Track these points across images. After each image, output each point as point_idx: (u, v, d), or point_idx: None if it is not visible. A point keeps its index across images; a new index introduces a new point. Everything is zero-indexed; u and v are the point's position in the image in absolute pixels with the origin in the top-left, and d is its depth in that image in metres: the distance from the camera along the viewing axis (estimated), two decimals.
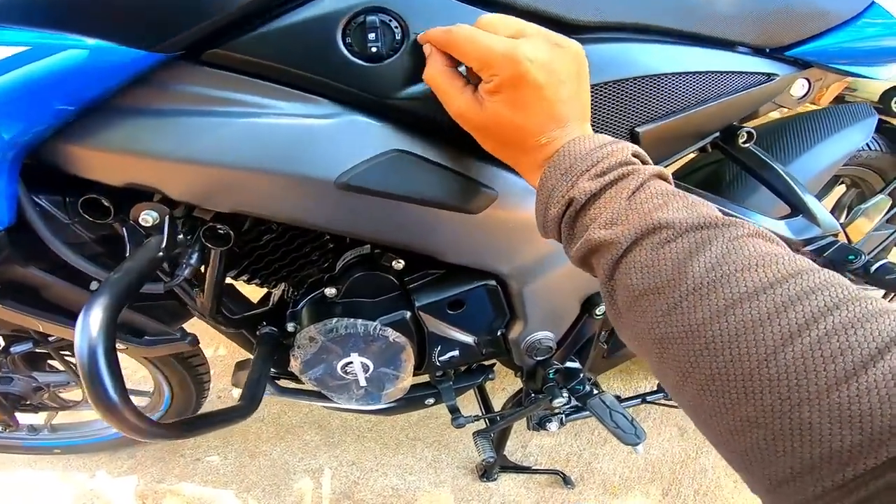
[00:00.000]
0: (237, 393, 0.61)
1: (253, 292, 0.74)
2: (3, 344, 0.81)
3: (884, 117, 0.78)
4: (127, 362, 1.23)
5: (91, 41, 0.35)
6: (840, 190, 0.90)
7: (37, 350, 0.82)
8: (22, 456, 1.07)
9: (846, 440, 0.21)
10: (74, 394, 0.96)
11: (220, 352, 1.33)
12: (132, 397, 1.06)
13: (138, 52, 0.36)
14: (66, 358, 0.81)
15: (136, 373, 1.24)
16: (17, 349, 0.81)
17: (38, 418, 1.00)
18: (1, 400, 0.85)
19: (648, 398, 0.87)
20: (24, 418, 0.91)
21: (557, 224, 0.36)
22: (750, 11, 0.50)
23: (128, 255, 0.47)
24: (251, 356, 0.77)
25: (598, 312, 0.64)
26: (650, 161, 0.37)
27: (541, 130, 0.37)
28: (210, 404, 1.08)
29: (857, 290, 0.25)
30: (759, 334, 0.24)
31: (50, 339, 0.78)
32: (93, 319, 0.37)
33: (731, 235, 0.28)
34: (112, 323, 0.37)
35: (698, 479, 1.04)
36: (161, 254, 0.45)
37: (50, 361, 0.91)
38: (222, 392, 1.22)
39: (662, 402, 0.88)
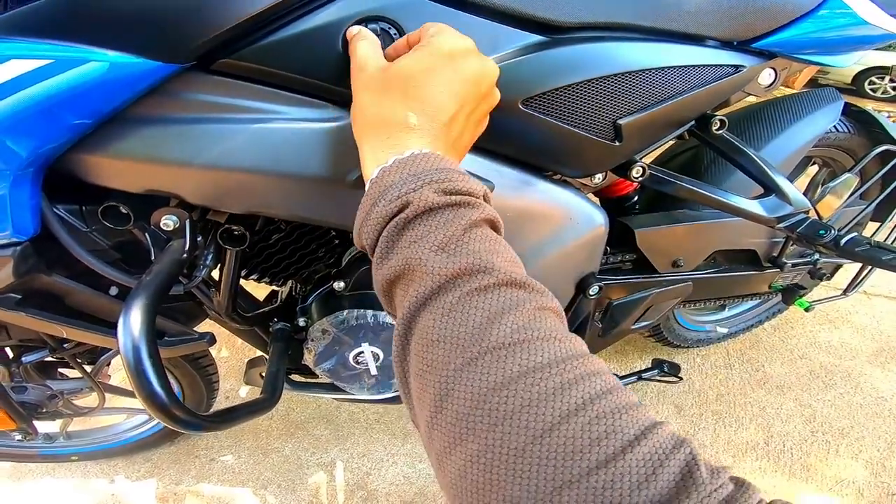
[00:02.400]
0: (244, 392, 0.64)
1: (255, 291, 0.77)
2: (12, 354, 0.82)
3: (854, 98, 0.83)
4: None
5: (112, 53, 0.38)
6: (813, 170, 0.95)
7: (48, 359, 0.85)
8: (41, 465, 1.09)
9: None
10: (88, 400, 0.98)
11: (224, 353, 1.36)
12: None
13: (154, 63, 0.39)
14: (80, 363, 0.84)
15: None
16: (28, 358, 0.83)
17: (54, 426, 1.02)
18: (18, 409, 0.87)
19: (644, 375, 0.92)
20: (39, 427, 0.93)
21: (379, 228, 0.32)
22: (718, 8, 0.55)
23: (153, 258, 0.50)
24: (258, 354, 0.81)
25: (591, 293, 0.68)
26: (492, 206, 0.35)
27: (420, 106, 0.36)
28: (217, 405, 1.11)
29: (618, 382, 0.26)
30: (542, 407, 0.24)
31: (65, 345, 0.80)
32: (133, 320, 0.40)
33: (539, 304, 0.29)
34: (151, 322, 0.40)
35: None
36: (185, 255, 0.48)
37: (61, 370, 0.94)
38: (229, 392, 1.25)
39: (657, 378, 0.93)
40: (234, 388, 1.27)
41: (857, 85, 5.15)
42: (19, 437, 0.90)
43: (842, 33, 0.61)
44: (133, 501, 1.04)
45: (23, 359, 0.83)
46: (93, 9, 0.37)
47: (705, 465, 0.23)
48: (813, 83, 4.81)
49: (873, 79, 5.04)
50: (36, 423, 0.91)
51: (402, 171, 0.33)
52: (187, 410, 0.43)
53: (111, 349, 0.91)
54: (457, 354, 0.27)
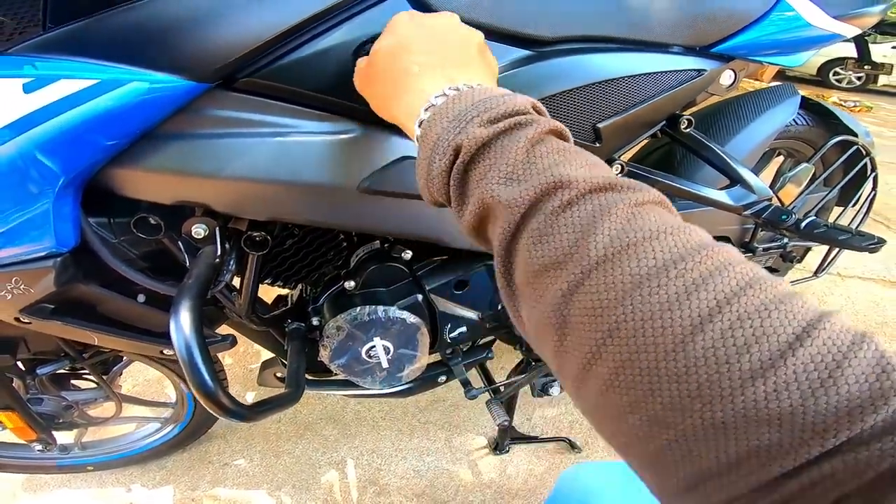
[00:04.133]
0: (251, 397, 0.67)
1: (263, 295, 0.82)
2: (26, 367, 0.85)
3: (820, 89, 0.89)
4: (149, 374, 1.29)
5: (152, 73, 0.41)
6: (779, 160, 1.03)
7: (61, 371, 0.88)
8: (57, 477, 1.11)
9: (764, 440, 0.18)
10: (103, 410, 1.01)
11: (228, 361, 1.40)
12: (156, 409, 1.12)
13: (189, 83, 0.43)
14: (98, 372, 0.87)
15: (157, 385, 1.30)
16: (43, 370, 0.86)
17: (69, 437, 1.05)
18: (37, 419, 0.90)
19: None
20: (56, 438, 0.95)
21: (445, 180, 0.31)
22: (679, 18, 0.62)
23: (188, 265, 0.55)
24: (271, 356, 0.85)
25: None
26: (547, 114, 0.33)
27: (419, 53, 0.37)
28: None
29: (762, 270, 0.22)
30: (667, 319, 0.21)
31: (85, 355, 0.84)
32: (183, 320, 0.44)
33: (634, 200, 0.25)
34: (199, 321, 0.45)
35: None
36: (217, 260, 0.53)
37: (74, 381, 0.97)
38: (237, 398, 1.28)
39: None
40: (239, 394, 1.30)
41: (822, 76, 5.32)
42: (39, 447, 0.93)
43: (790, 36, 0.68)
44: None
45: (37, 371, 0.86)
46: (131, 31, 0.40)
47: None
48: (780, 76, 4.97)
49: (837, 69, 5.21)
50: (54, 433, 0.94)
51: (442, 118, 0.32)
52: (235, 401, 0.48)
53: (123, 359, 0.94)
54: (561, 279, 0.24)
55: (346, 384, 0.81)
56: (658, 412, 0.21)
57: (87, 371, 0.91)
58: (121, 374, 0.99)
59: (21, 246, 0.48)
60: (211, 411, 0.46)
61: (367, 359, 0.74)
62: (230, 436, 1.20)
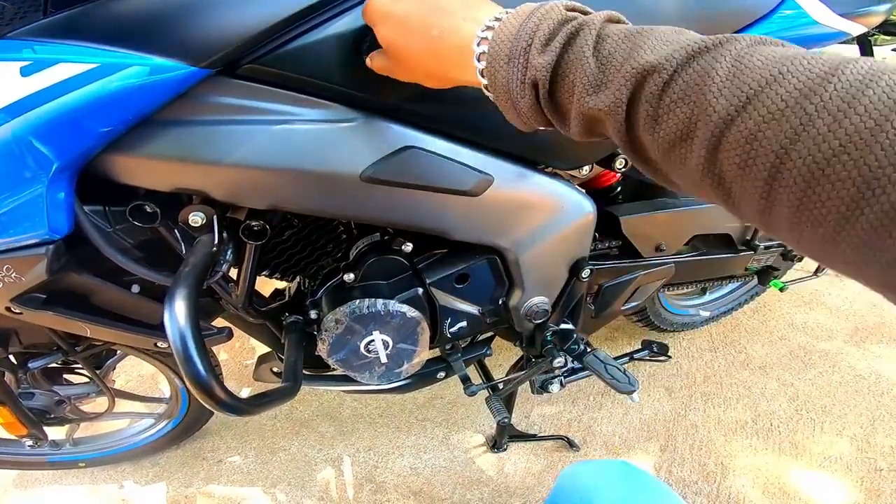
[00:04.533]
0: (245, 393, 0.66)
1: (260, 289, 0.81)
2: (17, 361, 0.84)
3: None
4: (142, 369, 1.27)
5: (153, 58, 0.40)
6: None
7: (54, 365, 0.86)
8: (48, 473, 1.09)
9: None
10: (95, 405, 1.00)
11: (223, 356, 1.38)
12: (150, 405, 1.11)
13: (190, 68, 0.42)
14: (91, 366, 0.86)
15: (151, 380, 1.28)
16: (34, 364, 0.84)
17: (60, 433, 1.03)
18: (29, 414, 0.89)
19: (635, 356, 0.97)
20: (47, 433, 0.94)
21: (539, 112, 0.33)
22: (683, 14, 0.61)
23: (185, 253, 0.54)
24: (267, 350, 0.84)
25: (583, 276, 0.74)
26: (588, 9, 0.33)
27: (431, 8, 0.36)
28: None
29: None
30: (863, 100, 0.20)
31: (78, 347, 0.82)
32: (178, 309, 0.43)
33: (733, 53, 0.25)
34: (194, 311, 0.44)
35: (691, 435, 1.14)
36: (214, 249, 0.52)
37: (66, 375, 0.95)
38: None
39: (648, 358, 0.98)
40: (234, 391, 1.28)
41: None
42: (30, 443, 0.91)
43: (796, 33, 0.68)
44: None
45: (29, 365, 0.84)
46: (136, 15, 0.40)
47: None
48: None
49: None
50: (45, 429, 0.93)
51: (498, 63, 0.32)
52: (230, 394, 0.46)
53: (117, 353, 0.93)
54: (697, 147, 0.25)
55: (344, 379, 0.80)
56: (855, 196, 0.20)
57: (79, 365, 0.89)
58: (114, 368, 0.97)
59: (13, 232, 0.47)
60: (205, 404, 0.45)
61: (365, 353, 0.72)
62: (225, 432, 1.19)
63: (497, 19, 0.33)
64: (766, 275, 1.03)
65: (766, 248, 0.96)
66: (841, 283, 1.53)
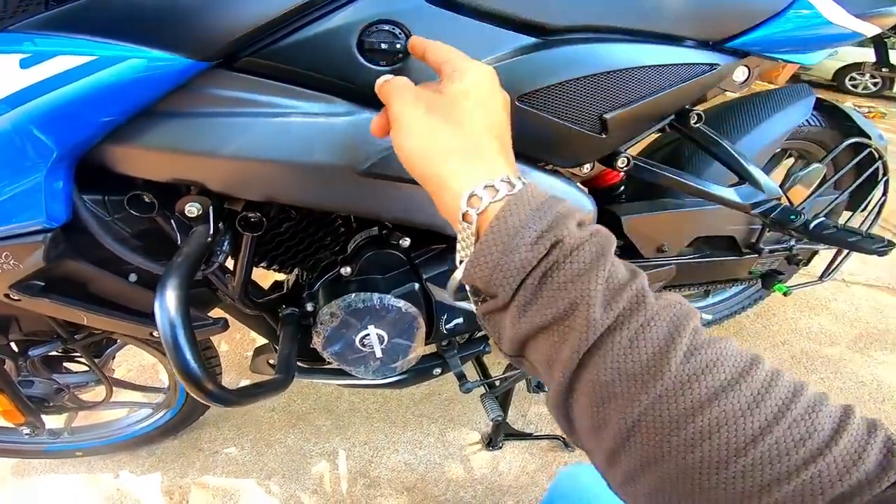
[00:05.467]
0: (245, 383, 0.66)
1: (260, 281, 0.81)
2: (18, 349, 0.84)
3: (835, 94, 0.88)
4: (143, 359, 1.27)
5: (151, 51, 0.41)
6: (789, 162, 1.01)
7: (53, 353, 0.87)
8: (45, 462, 1.10)
9: None
10: (94, 394, 1.00)
11: (224, 348, 1.39)
12: (148, 395, 1.11)
13: (188, 61, 0.42)
14: (89, 354, 0.86)
15: (150, 371, 1.29)
16: (35, 352, 0.85)
17: (58, 421, 1.03)
18: (27, 402, 0.89)
19: None
20: (45, 422, 0.94)
21: (524, 273, 0.30)
22: (693, 10, 0.60)
23: (180, 243, 0.54)
24: (264, 342, 0.84)
25: None
26: (585, 219, 0.32)
27: (464, 148, 0.34)
28: None
29: (795, 377, 0.28)
30: (740, 424, 0.25)
31: (77, 336, 0.82)
32: (168, 299, 0.43)
33: (691, 314, 0.29)
34: (185, 301, 0.44)
35: None
36: (209, 240, 0.52)
37: (66, 364, 0.96)
38: (231, 385, 1.27)
39: None
40: (234, 382, 1.29)
41: (837, 81, 5.26)
42: (27, 431, 0.91)
43: (808, 33, 0.66)
44: (139, 495, 1.05)
45: (29, 353, 0.85)
46: (132, 8, 0.40)
47: None
48: (795, 79, 4.93)
49: (854, 75, 5.14)
50: (43, 417, 0.93)
51: (523, 208, 0.30)
52: (219, 385, 0.46)
53: (117, 342, 0.93)
54: (639, 390, 0.27)
55: (339, 373, 0.79)
56: (721, 498, 0.25)
57: (79, 354, 0.90)
58: (113, 357, 0.97)
59: (11, 220, 0.47)
60: (193, 395, 0.45)
61: (360, 347, 0.72)
62: (222, 423, 1.19)
63: (524, 182, 0.32)
64: (770, 279, 1.02)
65: (771, 251, 0.95)
66: (847, 289, 1.52)
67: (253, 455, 1.12)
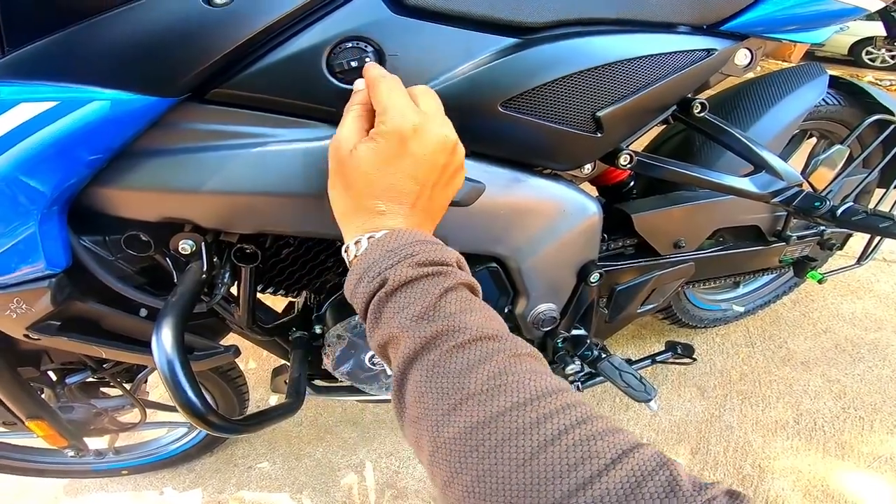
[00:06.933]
0: (274, 400, 0.68)
1: (274, 304, 0.82)
2: (56, 377, 0.89)
3: (853, 69, 0.81)
4: None
5: (112, 92, 0.40)
6: (811, 143, 0.94)
7: (90, 380, 0.91)
8: (94, 481, 1.16)
9: None
10: (131, 416, 1.05)
11: (251, 365, 1.42)
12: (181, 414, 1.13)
13: (152, 98, 0.42)
14: (120, 381, 0.90)
15: None
16: (72, 380, 0.89)
17: (103, 442, 1.09)
18: (67, 426, 0.94)
19: (658, 358, 0.92)
20: (90, 443, 1.00)
21: (366, 302, 0.37)
22: None
23: (176, 281, 0.55)
24: (283, 362, 0.85)
25: (592, 280, 0.70)
26: (468, 270, 0.40)
27: (384, 195, 0.40)
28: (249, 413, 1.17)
29: (598, 412, 0.30)
30: (521, 440, 0.27)
31: (105, 365, 0.86)
32: (164, 338, 0.44)
33: (514, 352, 0.33)
34: (181, 339, 0.44)
35: (725, 437, 1.08)
36: (204, 276, 0.53)
37: (103, 389, 1.01)
38: (260, 401, 1.31)
39: (672, 361, 0.93)
40: (263, 398, 1.32)
41: (854, 55, 5.00)
42: (72, 453, 0.97)
43: (808, 10, 0.61)
44: None
45: (66, 380, 0.89)
46: (90, 50, 0.39)
47: (691, 481, 0.25)
48: (809, 56, 4.65)
49: (869, 48, 4.86)
50: (86, 439, 0.98)
51: (379, 249, 0.37)
52: (221, 416, 0.47)
53: (147, 367, 0.97)
54: (443, 402, 0.31)
55: (355, 390, 0.80)
56: None
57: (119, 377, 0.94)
58: (145, 381, 1.02)
59: (14, 269, 0.49)
60: (199, 427, 0.46)
61: (370, 366, 0.72)
62: (254, 439, 1.23)
63: (409, 230, 0.39)
64: (802, 266, 0.95)
65: (800, 238, 0.89)
66: (889, 268, 1.41)
67: (284, 469, 1.15)
